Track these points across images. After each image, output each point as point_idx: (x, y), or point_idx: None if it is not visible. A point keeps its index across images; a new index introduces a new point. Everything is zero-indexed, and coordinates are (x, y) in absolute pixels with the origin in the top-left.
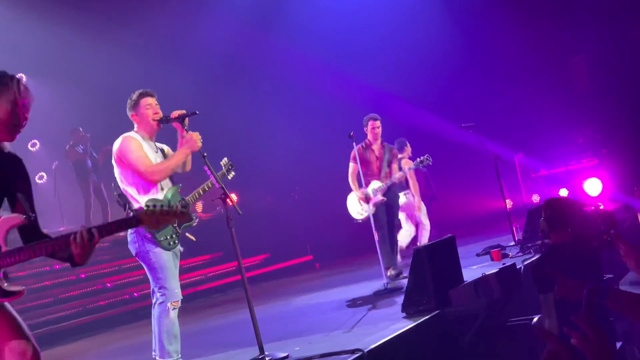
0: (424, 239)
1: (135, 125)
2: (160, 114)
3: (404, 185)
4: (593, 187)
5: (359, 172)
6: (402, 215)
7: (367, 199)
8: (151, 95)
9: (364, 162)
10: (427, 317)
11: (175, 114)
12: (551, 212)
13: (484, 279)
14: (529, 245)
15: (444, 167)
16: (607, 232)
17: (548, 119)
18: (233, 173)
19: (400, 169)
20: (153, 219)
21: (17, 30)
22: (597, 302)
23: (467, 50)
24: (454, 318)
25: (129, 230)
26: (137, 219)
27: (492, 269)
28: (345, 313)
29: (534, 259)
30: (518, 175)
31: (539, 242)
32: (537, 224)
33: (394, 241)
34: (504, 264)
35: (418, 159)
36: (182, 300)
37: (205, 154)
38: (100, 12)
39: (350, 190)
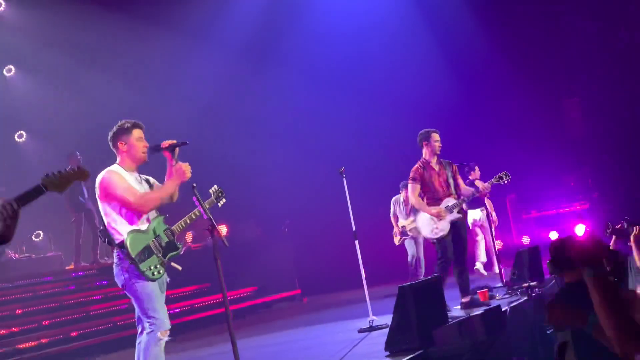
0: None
1: (119, 157)
2: (147, 149)
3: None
4: (583, 232)
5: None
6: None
7: (440, 216)
8: (142, 128)
9: (425, 183)
10: (410, 356)
11: (166, 143)
12: (557, 255)
13: (469, 319)
14: (516, 287)
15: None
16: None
17: (541, 161)
18: (224, 200)
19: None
20: (55, 182)
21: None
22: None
23: (461, 91)
24: (437, 358)
25: (115, 262)
26: (44, 185)
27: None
28: (328, 349)
29: (521, 301)
30: (509, 215)
31: (526, 284)
32: (525, 266)
33: (464, 269)
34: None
35: (497, 175)
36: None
37: (194, 185)
38: (94, 39)
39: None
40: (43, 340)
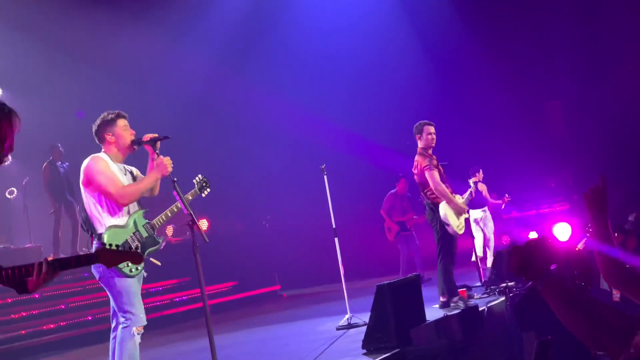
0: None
1: (104, 147)
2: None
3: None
4: (562, 231)
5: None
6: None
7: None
8: (125, 117)
9: (438, 171)
10: (387, 354)
11: (148, 137)
12: (519, 260)
13: (446, 319)
14: (494, 287)
15: (414, 205)
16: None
17: (522, 162)
18: (208, 190)
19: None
20: (109, 257)
21: None
22: (547, 357)
23: (444, 92)
24: (414, 357)
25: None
26: (97, 257)
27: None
28: (306, 346)
29: (498, 301)
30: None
31: (504, 285)
32: (503, 266)
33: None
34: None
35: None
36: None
37: (175, 179)
38: (78, 31)
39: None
40: (21, 332)
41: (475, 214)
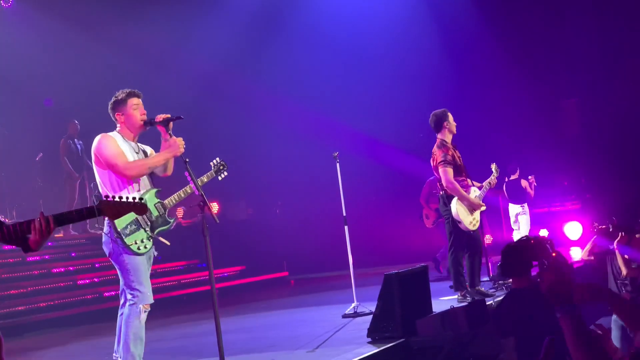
0: None
1: (118, 126)
2: (145, 116)
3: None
4: (573, 230)
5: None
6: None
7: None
8: (138, 96)
9: (456, 167)
10: (391, 344)
11: (160, 117)
12: (505, 261)
13: (452, 312)
14: (502, 282)
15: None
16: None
17: (536, 159)
18: (225, 174)
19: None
20: (113, 209)
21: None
22: (554, 353)
23: (460, 87)
24: (418, 348)
25: (104, 231)
26: (98, 209)
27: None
28: (312, 332)
29: (499, 298)
30: (500, 211)
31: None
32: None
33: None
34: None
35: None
36: (152, 304)
37: (187, 160)
38: (98, 11)
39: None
40: (28, 307)
41: (515, 209)
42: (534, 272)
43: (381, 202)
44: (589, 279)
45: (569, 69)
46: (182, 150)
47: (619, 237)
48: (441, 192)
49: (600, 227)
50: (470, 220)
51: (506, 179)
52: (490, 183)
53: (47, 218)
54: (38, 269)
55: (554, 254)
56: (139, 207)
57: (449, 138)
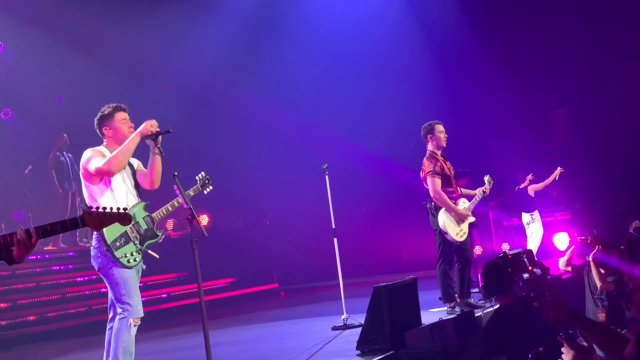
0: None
1: (105, 140)
2: (133, 130)
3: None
4: (562, 241)
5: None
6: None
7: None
8: (124, 110)
9: (445, 178)
10: (381, 356)
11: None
12: (486, 281)
13: (441, 324)
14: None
15: (416, 212)
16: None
17: (525, 169)
18: (210, 187)
19: None
20: (97, 220)
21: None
22: None
23: (449, 98)
24: None
25: (93, 244)
26: (82, 220)
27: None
28: (301, 345)
29: (495, 307)
30: (490, 222)
31: None
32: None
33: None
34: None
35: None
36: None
37: (175, 173)
38: (84, 23)
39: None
40: (17, 320)
41: (525, 217)
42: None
43: (371, 212)
44: (569, 292)
45: (558, 80)
46: (151, 129)
47: (595, 250)
48: (429, 204)
49: (579, 238)
50: (457, 232)
51: (516, 189)
52: (481, 194)
53: (28, 230)
54: (27, 282)
55: (530, 267)
56: (123, 217)
57: (437, 149)
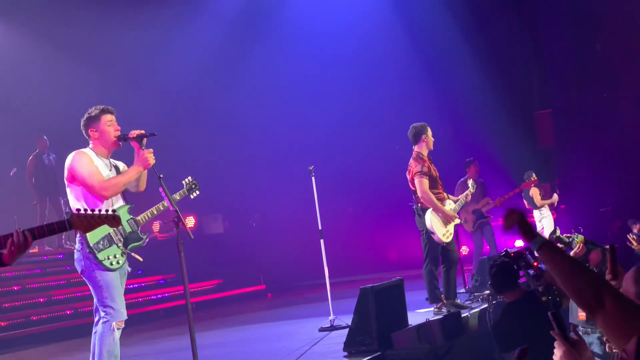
0: None
1: (91, 143)
2: (119, 132)
3: None
4: None
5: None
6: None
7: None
8: (112, 113)
9: (432, 179)
10: (368, 357)
11: (134, 133)
12: (494, 279)
13: (428, 324)
14: (477, 294)
15: (402, 212)
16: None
17: (510, 170)
18: (197, 192)
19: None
20: (85, 222)
21: None
22: None
23: (434, 98)
24: None
25: (76, 247)
26: (69, 222)
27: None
28: (288, 346)
29: (481, 308)
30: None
31: (488, 292)
32: (487, 273)
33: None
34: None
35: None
36: (127, 320)
37: (161, 175)
38: (69, 25)
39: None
40: (2, 323)
41: (536, 214)
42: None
43: (357, 213)
44: None
45: (543, 80)
46: (152, 161)
47: (576, 248)
48: (415, 205)
49: (565, 236)
50: (443, 232)
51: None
52: (466, 197)
53: (24, 233)
54: (13, 285)
55: (535, 263)
56: (112, 219)
57: (425, 151)
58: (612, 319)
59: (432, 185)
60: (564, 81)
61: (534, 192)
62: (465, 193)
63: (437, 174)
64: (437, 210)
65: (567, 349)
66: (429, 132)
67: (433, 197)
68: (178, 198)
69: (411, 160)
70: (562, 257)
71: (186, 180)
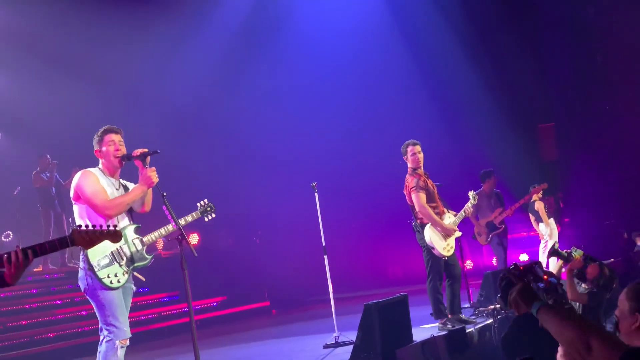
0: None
1: (100, 162)
2: (123, 151)
3: None
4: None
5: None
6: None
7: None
8: (115, 132)
9: (427, 191)
10: None
11: (137, 152)
12: (503, 292)
13: (432, 340)
14: (482, 309)
15: (405, 227)
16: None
17: (514, 183)
18: (213, 215)
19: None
20: (86, 238)
21: None
22: None
23: (438, 114)
24: None
25: (80, 265)
26: (71, 239)
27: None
28: None
29: (486, 323)
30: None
31: (493, 307)
32: (492, 288)
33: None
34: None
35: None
36: (131, 338)
37: (164, 194)
38: (72, 45)
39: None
40: (7, 343)
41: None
42: None
43: (361, 228)
44: None
45: (545, 93)
46: (156, 180)
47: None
48: (414, 222)
49: (565, 252)
50: (443, 246)
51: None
52: (466, 210)
53: (24, 250)
54: (16, 304)
55: (545, 277)
56: (113, 234)
57: (417, 166)
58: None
59: (430, 200)
60: (566, 94)
61: (540, 207)
62: (466, 206)
63: (435, 189)
64: (435, 224)
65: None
66: (410, 152)
67: (431, 211)
68: (190, 220)
69: (407, 176)
70: (554, 315)
71: (202, 202)
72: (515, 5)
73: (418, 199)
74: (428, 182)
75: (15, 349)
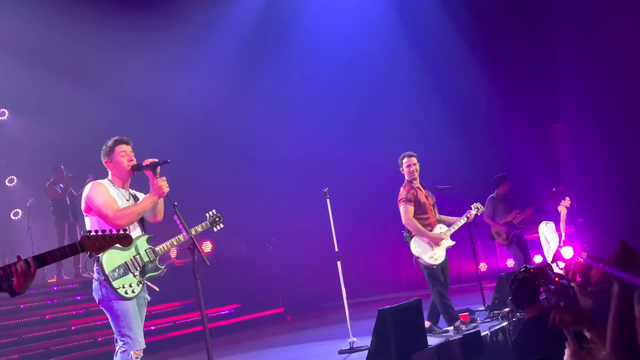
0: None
1: (110, 173)
2: (134, 162)
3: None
4: (566, 255)
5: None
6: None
7: (439, 243)
8: (126, 143)
9: (419, 205)
10: None
11: (147, 162)
12: (514, 294)
13: (447, 344)
14: (497, 312)
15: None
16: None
17: (527, 184)
18: (221, 225)
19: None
20: (96, 243)
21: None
22: None
23: (449, 115)
24: None
25: (94, 276)
26: (81, 244)
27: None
28: None
29: (501, 325)
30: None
31: (507, 309)
32: (506, 290)
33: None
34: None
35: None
36: (145, 348)
37: (175, 203)
38: (83, 56)
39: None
40: (23, 354)
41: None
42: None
43: (373, 233)
44: None
45: (557, 93)
46: (167, 189)
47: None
48: (406, 233)
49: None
50: (430, 255)
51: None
52: (464, 220)
53: (26, 260)
54: (32, 316)
55: (556, 279)
56: (123, 238)
57: (412, 178)
58: None
59: (421, 211)
60: (578, 94)
61: (563, 213)
62: (465, 215)
63: (429, 200)
64: (421, 234)
65: (575, 348)
66: (404, 164)
67: (416, 222)
68: (200, 230)
69: (400, 188)
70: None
71: (210, 213)
72: (524, 5)
73: (405, 212)
74: (421, 193)
75: None
